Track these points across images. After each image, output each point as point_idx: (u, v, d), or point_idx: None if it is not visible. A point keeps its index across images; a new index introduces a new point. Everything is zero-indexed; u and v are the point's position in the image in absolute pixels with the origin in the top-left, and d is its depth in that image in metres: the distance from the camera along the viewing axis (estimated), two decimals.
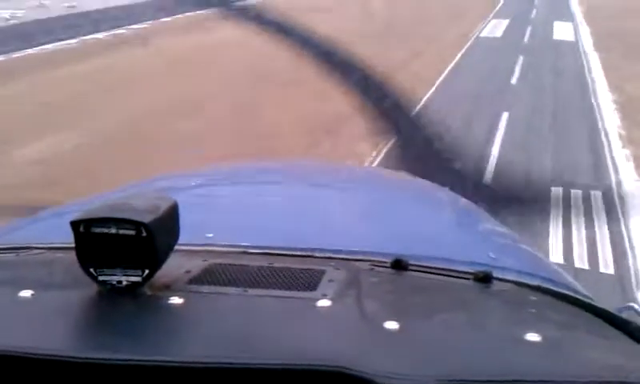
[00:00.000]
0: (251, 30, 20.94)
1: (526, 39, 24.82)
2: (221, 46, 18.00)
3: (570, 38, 25.54)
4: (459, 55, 21.11)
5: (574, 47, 23.33)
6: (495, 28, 27.60)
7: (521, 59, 20.48)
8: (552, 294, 1.11)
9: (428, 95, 14.11)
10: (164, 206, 0.88)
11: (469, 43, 23.74)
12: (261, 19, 24.75)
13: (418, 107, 12.46)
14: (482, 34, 26.07)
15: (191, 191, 1.81)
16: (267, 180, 2.15)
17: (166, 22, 22.54)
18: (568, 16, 31.97)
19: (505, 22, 29.07)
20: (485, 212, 2.11)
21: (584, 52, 22.07)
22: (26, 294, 0.86)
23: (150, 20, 22.39)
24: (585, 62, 20.34)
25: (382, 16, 29.61)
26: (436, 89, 14.84)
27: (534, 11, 33.01)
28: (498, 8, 34.69)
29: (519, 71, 18.74)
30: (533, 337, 0.80)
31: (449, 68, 18.77)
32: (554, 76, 18.31)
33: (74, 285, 0.88)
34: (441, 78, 17.03)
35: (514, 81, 17.54)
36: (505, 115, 12.28)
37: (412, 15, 29.88)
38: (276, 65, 14.87)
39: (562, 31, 26.87)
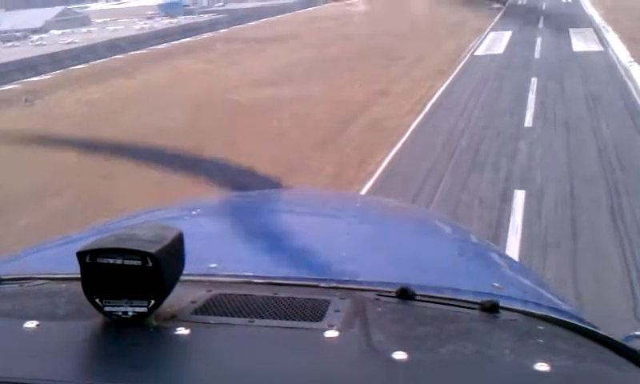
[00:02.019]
0: None
1: (537, 54, 18.10)
2: None
3: (596, 47, 18.75)
4: (443, 87, 14.41)
5: (604, 59, 16.53)
6: (494, 42, 20.94)
7: (534, 84, 13.77)
8: (559, 324, 1.06)
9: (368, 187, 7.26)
10: (169, 236, 0.85)
11: (459, 66, 17.07)
12: None
13: None
14: (477, 52, 19.41)
15: (194, 221, 1.74)
16: (270, 209, 2.06)
17: None
18: (584, 21, 25.27)
19: (506, 35, 22.39)
20: (488, 241, 2.04)
21: (621, 65, 15.23)
22: (32, 324, 0.83)
23: None
24: (628, 80, 13.56)
25: (355, 37, 23.21)
26: (386, 172, 7.95)
27: (541, 19, 26.31)
28: (496, 19, 28.09)
29: (534, 105, 11.98)
30: (542, 367, 0.78)
31: (423, 113, 12.05)
32: (589, 107, 11.51)
33: (80, 316, 0.85)
34: (401, 142, 10.27)
35: (528, 122, 10.75)
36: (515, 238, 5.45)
37: (392, 32, 23.52)
38: None
39: (582, 39, 20.13)
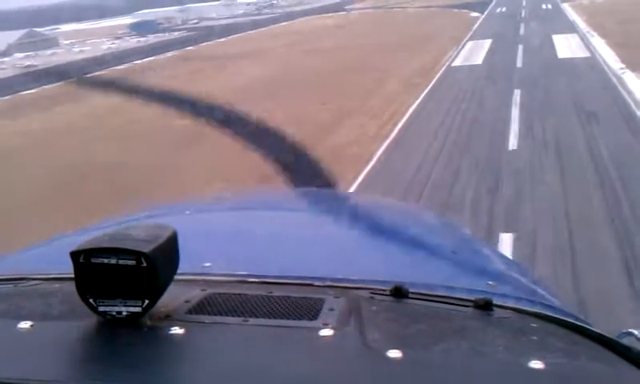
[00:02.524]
0: None
1: (519, 62, 16.49)
2: None
3: (582, 52, 17.19)
4: (415, 104, 12.77)
5: (593, 66, 14.94)
6: (473, 52, 19.36)
7: (517, 96, 12.14)
8: (552, 321, 1.06)
9: None
10: (164, 235, 0.84)
11: (435, 79, 15.43)
12: None
13: None
14: (454, 63, 17.80)
15: (188, 220, 1.72)
16: (264, 208, 2.05)
17: None
18: (568, 26, 23.79)
19: (486, 43, 20.83)
20: (482, 239, 2.22)
21: (612, 72, 13.65)
22: (25, 325, 0.82)
23: None
24: (622, 89, 11.96)
25: (328, 46, 21.59)
26: None
27: (522, 26, 24.82)
28: (474, 28, 26.58)
29: (518, 122, 10.32)
30: (536, 364, 0.78)
31: (390, 138, 10.36)
32: (583, 124, 9.90)
33: (74, 316, 0.84)
34: (360, 178, 8.63)
35: (512, 144, 9.09)
36: None
37: (367, 45, 21.95)
38: None
39: (567, 46, 18.58)
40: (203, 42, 33.38)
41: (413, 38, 24.30)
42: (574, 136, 9.02)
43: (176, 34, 41.61)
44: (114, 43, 37.95)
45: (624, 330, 1.11)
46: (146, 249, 0.79)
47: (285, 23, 42.20)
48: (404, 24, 31.41)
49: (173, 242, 0.86)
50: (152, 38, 38.89)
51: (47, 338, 0.83)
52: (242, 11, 64.43)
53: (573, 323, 1.08)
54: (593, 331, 1.04)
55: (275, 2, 73.37)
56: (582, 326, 1.07)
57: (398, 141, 9.95)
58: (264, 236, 1.51)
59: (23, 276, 1.11)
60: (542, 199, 6.75)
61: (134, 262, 0.78)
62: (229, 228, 1.66)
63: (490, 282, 1.23)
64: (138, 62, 26.66)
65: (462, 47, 20.75)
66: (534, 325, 1.02)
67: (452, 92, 13.51)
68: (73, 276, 0.80)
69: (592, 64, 15.18)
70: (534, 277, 1.74)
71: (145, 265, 0.78)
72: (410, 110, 11.98)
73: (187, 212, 1.90)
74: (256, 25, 42.13)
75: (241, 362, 0.77)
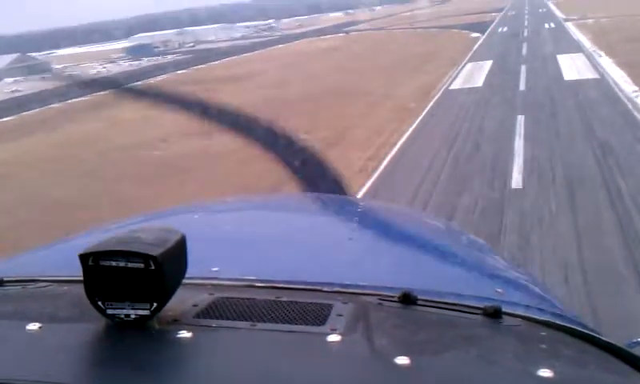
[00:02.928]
0: None
1: (522, 85, 15.20)
2: None
3: (590, 73, 15.90)
4: (408, 133, 11.49)
5: (603, 89, 13.64)
6: (473, 74, 18.11)
7: (521, 124, 10.84)
8: (562, 329, 1.04)
9: None
10: (172, 239, 0.83)
11: (430, 104, 14.17)
12: None
13: None
14: (452, 85, 16.54)
15: (196, 224, 1.70)
16: (272, 213, 2.01)
17: None
18: (573, 46, 22.54)
19: (486, 65, 19.59)
20: (490, 246, 1.98)
21: (626, 96, 12.35)
22: (34, 326, 0.82)
23: None
24: (636, 112, 10.67)
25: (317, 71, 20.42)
26: None
27: (525, 46, 23.59)
28: (475, 48, 25.38)
29: (523, 155, 9.01)
30: (545, 373, 0.77)
31: (377, 173, 9.05)
32: (598, 159, 8.60)
33: (82, 318, 0.84)
34: None
35: (515, 182, 7.75)
36: None
37: (362, 67, 20.78)
38: None
39: (573, 66, 17.30)
40: (196, 66, 32.46)
41: (411, 58, 23.12)
42: (589, 174, 7.67)
43: (169, 57, 40.68)
44: (104, 67, 37.00)
45: (634, 340, 1.10)
46: (155, 252, 0.77)
47: (282, 45, 41.24)
48: (403, 45, 30.31)
49: (181, 246, 0.85)
50: (145, 62, 37.94)
51: (55, 340, 0.82)
52: (240, 34, 63.68)
53: (582, 332, 1.05)
54: (602, 340, 1.02)
55: (274, 24, 72.72)
56: (592, 335, 1.05)
57: (383, 177, 8.62)
58: (272, 241, 1.49)
59: (32, 278, 1.10)
60: (553, 253, 5.38)
61: (142, 265, 0.77)
62: (237, 232, 1.61)
63: (499, 290, 1.21)
64: (127, 86, 25.60)
65: (462, 68, 19.52)
66: (544, 333, 1.00)
67: (448, 119, 12.21)
68: (81, 278, 0.80)
69: (602, 87, 13.87)
70: (544, 285, 1.63)
71: (153, 268, 0.77)
72: (401, 142, 10.69)
73: (196, 216, 1.88)
74: (253, 47, 41.31)
75: (248, 366, 0.76)
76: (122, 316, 0.80)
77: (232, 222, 1.84)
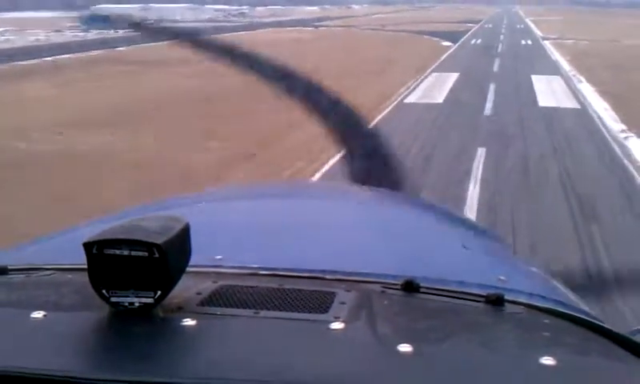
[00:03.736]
0: None
1: (488, 108, 12.55)
2: None
3: (569, 101, 13.37)
4: (330, 163, 8.65)
5: (585, 123, 11.08)
6: (435, 87, 15.43)
7: (479, 162, 8.15)
8: (564, 317, 1.04)
9: None
10: (176, 227, 0.84)
11: (377, 120, 11.43)
12: None
13: None
14: (409, 98, 13.82)
15: (200, 212, 1.70)
16: (276, 201, 2.01)
17: None
18: (550, 67, 20.09)
19: (451, 78, 16.94)
20: (494, 234, 1.98)
21: (613, 137, 9.82)
22: (38, 315, 0.82)
23: None
24: (627, 161, 8.12)
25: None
26: None
27: (497, 62, 21.07)
28: (443, 58, 22.75)
29: (476, 211, 6.19)
30: (547, 360, 0.77)
31: None
32: (575, 219, 5.85)
33: (86, 306, 0.84)
34: None
35: None
36: None
37: (314, 66, 17.97)
38: None
39: (550, 91, 14.77)
40: (142, 44, 29.19)
41: (370, 63, 20.36)
42: (571, 255, 4.97)
43: (121, 32, 37.20)
44: (47, 36, 33.33)
45: (638, 327, 1.08)
46: (159, 240, 0.77)
47: (244, 33, 38.15)
48: (368, 46, 27.56)
49: (185, 234, 0.85)
50: (91, 35, 34.45)
51: (60, 328, 0.82)
52: (207, 16, 60.28)
53: (585, 320, 1.05)
54: (606, 328, 1.01)
55: (246, 11, 69.45)
56: (595, 323, 1.04)
57: None
58: (276, 228, 1.48)
59: (36, 266, 1.10)
60: None
61: (146, 254, 0.77)
62: (241, 220, 1.61)
63: (501, 277, 1.19)
64: (48, 58, 22.28)
65: (424, 79, 16.84)
66: (546, 321, 1.00)
67: (395, 139, 9.47)
68: (86, 267, 0.80)
69: (584, 121, 11.30)
70: (547, 272, 1.56)
71: (157, 256, 0.77)
72: (329, 164, 7.91)
73: (200, 204, 1.87)
74: (215, 31, 38.41)
75: (251, 354, 0.76)
76: (126, 304, 0.79)
77: (236, 209, 1.80)
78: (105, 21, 43.75)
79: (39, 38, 31.85)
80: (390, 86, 15.14)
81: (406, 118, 11.59)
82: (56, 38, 31.86)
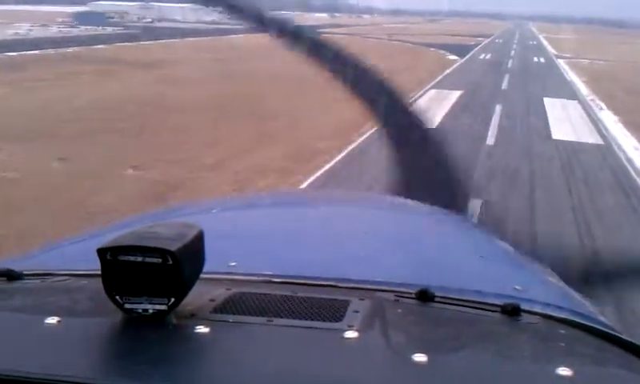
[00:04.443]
0: None
1: (490, 137, 10.19)
2: None
3: (590, 135, 11.01)
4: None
5: (612, 166, 8.72)
6: (431, 107, 13.14)
7: (475, 213, 5.74)
8: (581, 327, 1.02)
9: None
10: (190, 234, 0.83)
11: (340, 155, 9.15)
12: None
13: None
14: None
15: (213, 219, 1.69)
16: (289, 209, 2.01)
17: None
18: (565, 89, 17.75)
19: (452, 96, 14.63)
20: (508, 243, 1.88)
21: None
22: (52, 320, 0.81)
23: None
24: None
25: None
26: None
27: (506, 80, 18.74)
28: (446, 72, 20.42)
29: None
30: (564, 371, 0.75)
31: None
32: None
33: (100, 312, 0.83)
34: None
35: None
36: None
37: (290, 75, 15.79)
38: None
39: (565, 119, 12.46)
40: (130, 42, 27.14)
41: None
42: None
43: (109, 29, 35.18)
44: (29, 30, 31.29)
45: None
46: (172, 247, 0.77)
47: (238, 36, 35.92)
48: (367, 57, 25.31)
49: (199, 241, 0.84)
50: (78, 31, 32.44)
51: (74, 334, 0.82)
52: (210, 18, 58.22)
53: (602, 330, 1.03)
54: (623, 339, 1.00)
55: None
56: (612, 334, 1.03)
57: None
58: (289, 236, 1.48)
59: (51, 272, 1.09)
60: None
61: (160, 260, 0.77)
62: (255, 228, 1.61)
63: (517, 287, 1.17)
64: (13, 53, 20.20)
65: (421, 96, 14.55)
66: (562, 331, 0.99)
67: (366, 178, 7.18)
68: (100, 273, 0.79)
69: (609, 162, 8.95)
70: (563, 282, 1.50)
71: (171, 263, 0.77)
72: None
73: (214, 211, 1.88)
74: (207, 33, 36.53)
75: (265, 362, 0.75)
76: (140, 310, 0.79)
77: (249, 217, 1.82)
78: (99, 18, 41.80)
79: (19, 32, 29.82)
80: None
81: (385, 149, 9.29)
82: (38, 33, 29.82)
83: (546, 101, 14.53)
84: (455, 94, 14.86)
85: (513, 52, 32.43)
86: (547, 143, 9.95)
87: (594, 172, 8.21)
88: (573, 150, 9.53)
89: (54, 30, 32.14)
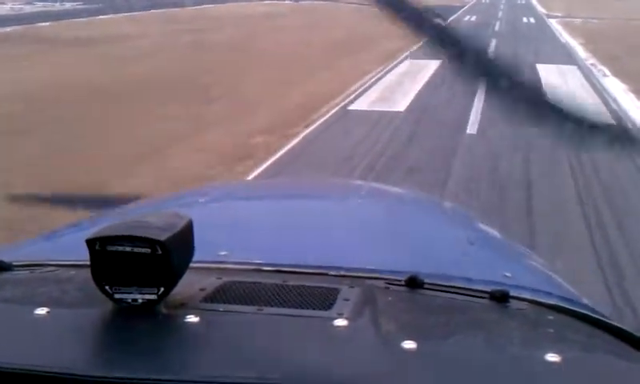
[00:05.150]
0: None
1: (471, 124, 7.99)
2: None
3: (598, 112, 8.76)
4: None
5: (635, 159, 6.47)
6: (402, 82, 10.98)
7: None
8: (569, 313, 1.03)
9: None
10: (179, 223, 0.83)
11: (279, 153, 6.87)
12: None
13: None
14: (357, 103, 9.35)
15: (204, 208, 1.68)
16: (279, 198, 2.02)
17: None
18: (560, 52, 15.51)
19: (429, 68, 12.40)
20: (498, 231, 1.87)
21: None
22: (42, 311, 0.81)
23: None
24: None
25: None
26: None
27: (493, 44, 16.48)
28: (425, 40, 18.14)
29: None
30: (552, 357, 0.76)
31: None
32: None
33: (90, 302, 0.83)
34: None
35: None
36: None
37: (258, 49, 13.59)
38: None
39: (564, 90, 10.23)
40: (85, 17, 24.63)
41: (338, 43, 15.89)
42: None
43: (68, 5, 32.43)
44: None
45: None
46: (162, 237, 0.77)
47: (210, 6, 33.41)
48: (346, 23, 22.91)
49: (188, 230, 0.84)
50: (29, 8, 29.72)
51: (63, 325, 0.81)
52: None
53: (591, 316, 1.04)
54: (610, 324, 1.01)
55: None
56: (601, 319, 1.03)
57: None
58: (280, 225, 1.46)
59: (40, 262, 1.08)
60: None
61: (149, 250, 0.76)
62: (245, 216, 1.59)
63: (506, 274, 1.18)
64: None
65: (392, 69, 12.35)
66: (551, 317, 0.98)
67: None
68: (89, 263, 0.79)
69: (627, 149, 6.78)
70: (552, 269, 1.51)
71: (160, 253, 0.76)
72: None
73: (203, 200, 1.84)
74: (181, 4, 34.07)
75: (255, 350, 0.75)
76: (130, 300, 0.79)
77: (239, 206, 1.79)
78: None
79: None
80: (341, 81, 10.70)
81: (340, 138, 7.12)
82: None
83: (540, 68, 12.32)
84: (433, 66, 12.63)
85: (500, 13, 30.00)
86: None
87: (613, 168, 6.08)
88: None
89: (6, 8, 29.41)
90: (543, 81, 10.85)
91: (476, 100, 8.67)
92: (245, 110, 8.40)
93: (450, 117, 8.28)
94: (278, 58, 13.53)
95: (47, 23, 22.30)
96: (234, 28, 20.72)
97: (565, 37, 19.22)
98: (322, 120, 8.00)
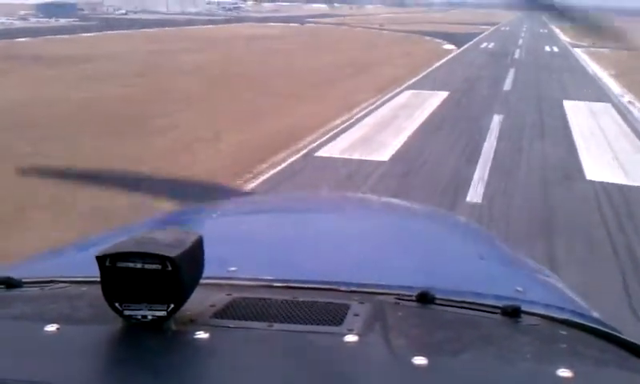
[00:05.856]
0: None
1: (476, 185, 5.79)
2: None
3: None
4: None
5: None
6: (395, 121, 8.82)
7: None
8: (581, 328, 1.01)
9: None
10: (189, 240, 0.83)
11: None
12: None
13: None
14: (329, 147, 7.18)
15: (214, 224, 1.68)
16: (289, 213, 1.97)
17: None
18: (590, 86, 13.32)
19: (431, 102, 10.26)
20: (508, 244, 1.82)
21: None
22: (52, 328, 0.81)
23: None
24: None
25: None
26: None
27: (510, 74, 14.38)
28: (435, 65, 16.01)
29: None
30: (565, 373, 0.75)
31: None
32: None
33: (100, 319, 0.83)
34: None
35: None
36: None
37: (245, 73, 11.68)
38: None
39: (598, 135, 8.02)
40: (80, 34, 23.20)
41: (333, 69, 13.98)
42: None
43: (63, 21, 31.27)
44: None
45: None
46: (172, 253, 0.76)
47: (212, 27, 31.94)
48: (347, 47, 20.99)
49: (198, 247, 0.84)
50: (19, 23, 28.49)
51: (73, 342, 0.81)
52: (196, 10, 54.13)
53: (604, 331, 1.01)
54: (623, 339, 0.98)
55: (243, 5, 63.22)
56: (614, 335, 1.00)
57: None
58: (289, 239, 1.46)
59: (50, 279, 1.06)
60: None
61: (159, 267, 0.76)
62: (255, 232, 1.55)
63: (518, 289, 1.15)
64: None
65: (388, 101, 10.26)
66: (564, 332, 0.97)
67: None
68: (99, 280, 0.79)
69: None
70: (564, 283, 1.48)
71: (170, 269, 0.76)
72: None
73: (213, 216, 1.85)
74: (187, 23, 32.92)
75: (265, 367, 0.75)
76: (139, 317, 0.79)
77: (249, 221, 1.78)
78: (68, 9, 37.79)
79: None
80: (319, 117, 8.61)
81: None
82: None
83: (567, 105, 10.14)
84: (437, 98, 10.55)
85: (521, 40, 27.91)
86: (578, 195, 5.59)
87: None
88: (625, 200, 5.16)
89: (5, 23, 28.14)
90: (570, 123, 8.69)
91: (484, 149, 6.49)
92: (176, 156, 6.35)
93: (447, 173, 6.13)
94: (259, 83, 11.59)
95: (30, 39, 20.82)
96: (219, 49, 18.91)
97: (593, 67, 17.05)
98: (268, 175, 5.89)
